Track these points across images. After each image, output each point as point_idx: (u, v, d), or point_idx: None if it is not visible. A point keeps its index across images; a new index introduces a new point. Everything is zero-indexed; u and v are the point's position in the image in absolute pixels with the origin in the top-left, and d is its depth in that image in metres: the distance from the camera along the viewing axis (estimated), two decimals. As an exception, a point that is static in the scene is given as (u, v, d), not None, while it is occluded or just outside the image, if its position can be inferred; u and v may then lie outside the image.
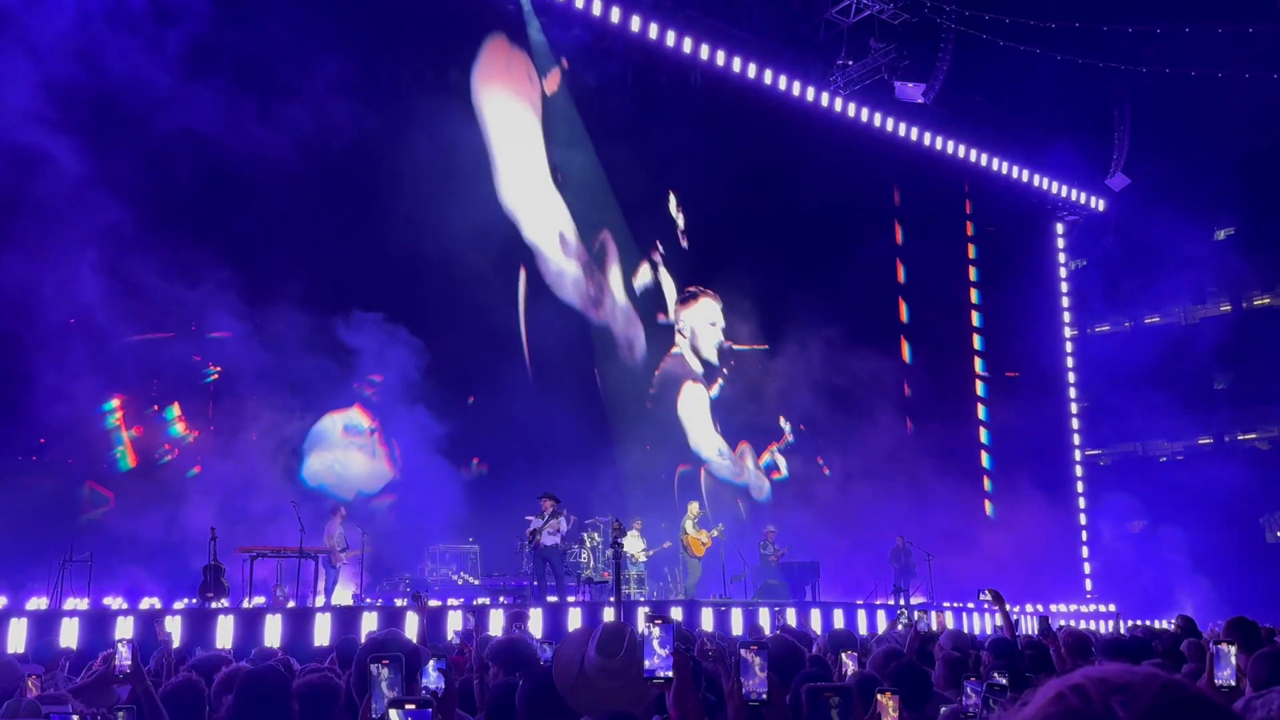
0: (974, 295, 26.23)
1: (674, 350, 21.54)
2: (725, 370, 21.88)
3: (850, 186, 22.21)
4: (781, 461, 22.28)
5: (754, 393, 21.68)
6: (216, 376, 15.71)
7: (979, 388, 26.11)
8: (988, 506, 24.96)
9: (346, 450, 17.02)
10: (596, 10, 18.70)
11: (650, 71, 20.21)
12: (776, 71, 21.15)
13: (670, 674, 2.50)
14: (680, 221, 21.39)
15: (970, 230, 26.41)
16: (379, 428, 17.09)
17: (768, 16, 21.46)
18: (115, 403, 15.00)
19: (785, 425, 22.20)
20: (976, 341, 26.16)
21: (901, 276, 24.79)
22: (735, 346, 21.93)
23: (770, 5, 21.57)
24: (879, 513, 19.71)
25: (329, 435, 16.85)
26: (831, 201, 21.89)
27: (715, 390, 21.82)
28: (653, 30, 19.44)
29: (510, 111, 19.23)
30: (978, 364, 26.25)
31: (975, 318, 26.22)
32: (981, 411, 25.99)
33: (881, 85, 21.55)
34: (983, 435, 25.60)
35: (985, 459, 25.34)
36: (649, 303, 20.95)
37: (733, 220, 21.67)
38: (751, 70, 20.83)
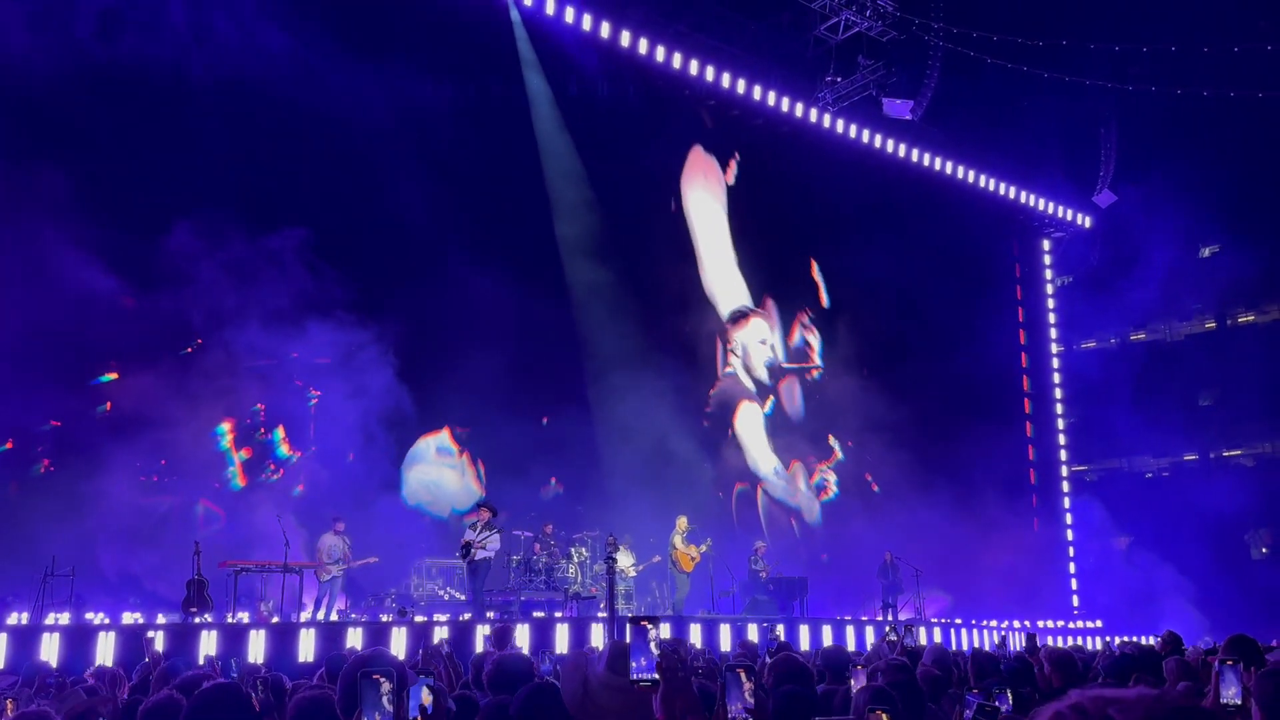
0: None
1: (727, 370, 21.84)
2: (779, 387, 22.46)
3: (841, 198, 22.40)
4: (832, 478, 22.54)
5: (806, 411, 22.11)
6: (316, 401, 16.30)
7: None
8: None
9: (440, 470, 17.86)
10: (586, 25, 18.76)
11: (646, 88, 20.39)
12: (765, 88, 21.25)
13: (656, 677, 2.47)
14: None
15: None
16: (468, 449, 17.95)
17: (757, 33, 21.56)
18: (227, 426, 15.63)
19: (835, 444, 22.55)
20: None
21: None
22: (785, 365, 22.35)
23: (760, 22, 21.68)
24: (877, 527, 19.83)
25: (424, 456, 17.67)
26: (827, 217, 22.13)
27: (768, 407, 22.13)
28: (642, 45, 19.51)
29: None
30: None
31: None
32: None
33: (870, 102, 21.65)
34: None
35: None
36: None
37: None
38: (741, 86, 20.92)
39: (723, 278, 21.77)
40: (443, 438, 17.98)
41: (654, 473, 18.50)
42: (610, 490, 18.33)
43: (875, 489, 22.50)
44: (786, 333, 22.74)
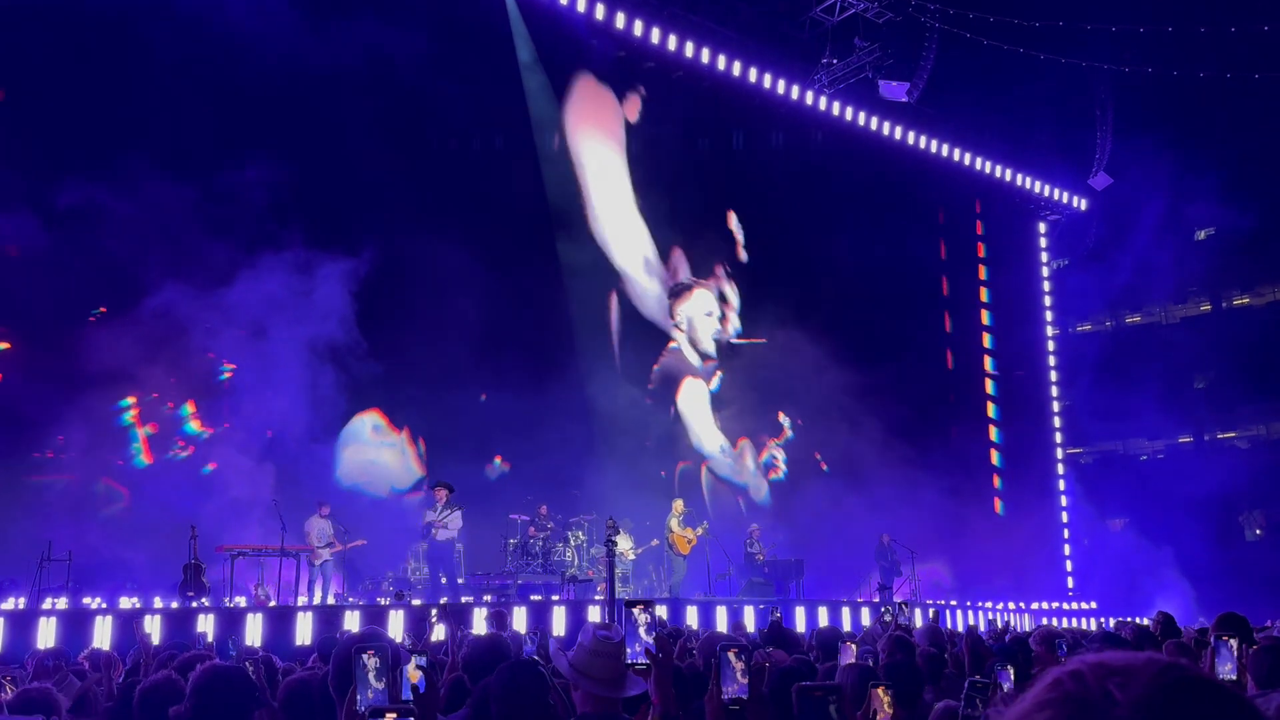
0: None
1: (671, 345, 21.19)
2: (724, 363, 21.67)
3: (836, 183, 22.29)
4: (781, 457, 22.03)
5: (753, 387, 21.24)
6: (230, 375, 15.56)
7: (989, 385, 26.23)
8: (995, 504, 25.06)
9: (378, 449, 17.34)
10: (581, 7, 18.65)
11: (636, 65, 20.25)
12: (761, 70, 21.16)
13: (645, 665, 2.46)
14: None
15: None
16: (408, 426, 17.34)
17: (752, 15, 21.46)
18: (131, 400, 14.96)
19: (785, 421, 21.97)
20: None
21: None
22: (734, 341, 21.61)
23: (755, 3, 21.57)
24: (869, 510, 19.71)
25: (360, 435, 17.17)
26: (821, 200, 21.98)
27: (715, 384, 21.53)
28: (637, 27, 19.41)
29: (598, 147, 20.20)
30: (987, 362, 26.34)
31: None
32: (991, 409, 26.16)
33: (866, 84, 21.57)
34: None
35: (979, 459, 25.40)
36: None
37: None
38: (736, 68, 20.83)
39: (619, 224, 20.64)
40: (377, 417, 17.37)
41: (600, 450, 18.06)
42: (556, 468, 17.39)
43: (824, 468, 21.90)
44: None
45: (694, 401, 21.21)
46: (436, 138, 18.42)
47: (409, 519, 16.28)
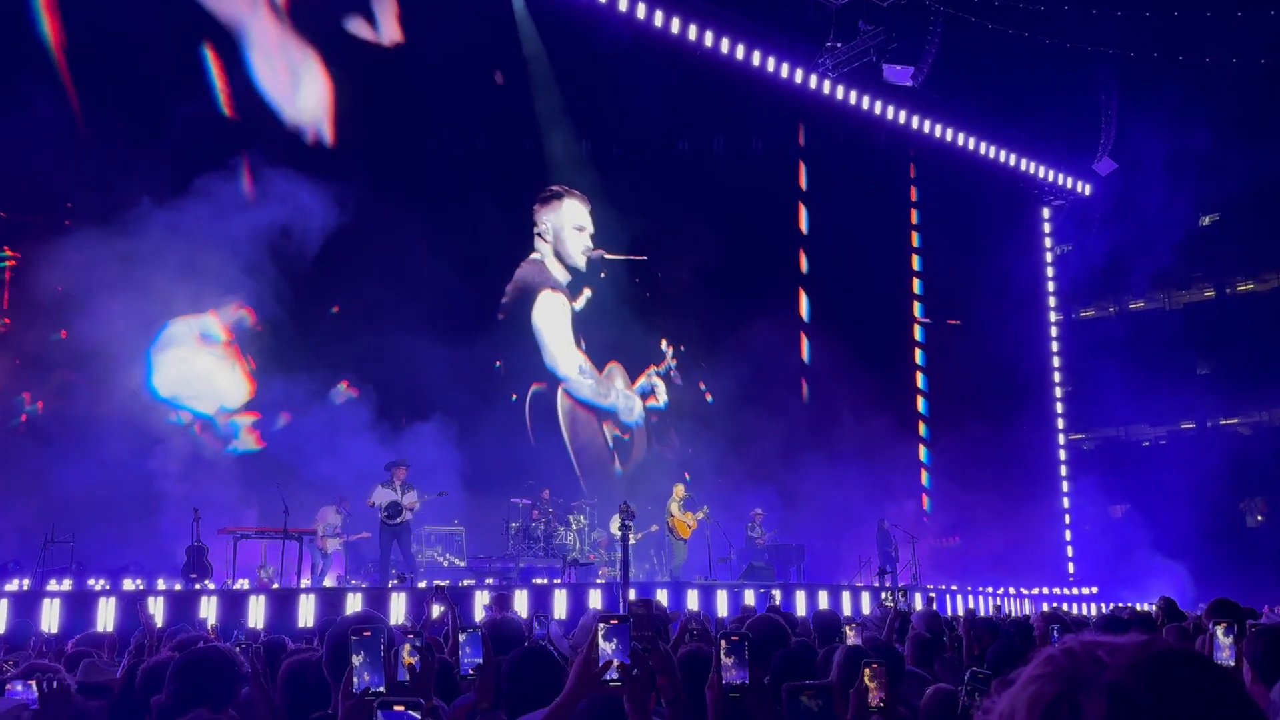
0: (916, 260, 26.12)
1: (533, 256, 19.59)
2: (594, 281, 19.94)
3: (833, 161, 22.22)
4: (661, 387, 20.75)
5: (632, 310, 19.84)
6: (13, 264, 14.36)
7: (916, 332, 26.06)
8: (919, 451, 24.83)
9: (206, 359, 15.42)
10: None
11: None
12: (765, 53, 21.06)
13: (618, 680, 2.33)
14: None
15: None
16: (235, 338, 15.64)
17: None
18: None
19: (667, 349, 20.63)
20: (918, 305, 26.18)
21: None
22: (607, 256, 19.91)
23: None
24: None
25: (182, 340, 15.24)
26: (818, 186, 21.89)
27: (582, 303, 19.86)
28: (640, 10, 19.29)
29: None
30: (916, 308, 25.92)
31: (916, 285, 25.94)
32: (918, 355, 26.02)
33: (870, 68, 21.48)
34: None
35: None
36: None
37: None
38: (740, 51, 20.73)
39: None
40: (207, 322, 15.40)
41: (452, 372, 16.38)
42: (408, 394, 16.23)
43: (709, 399, 20.79)
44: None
45: (552, 319, 19.48)
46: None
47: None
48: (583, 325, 19.88)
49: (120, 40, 14.49)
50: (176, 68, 15.48)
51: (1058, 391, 27.65)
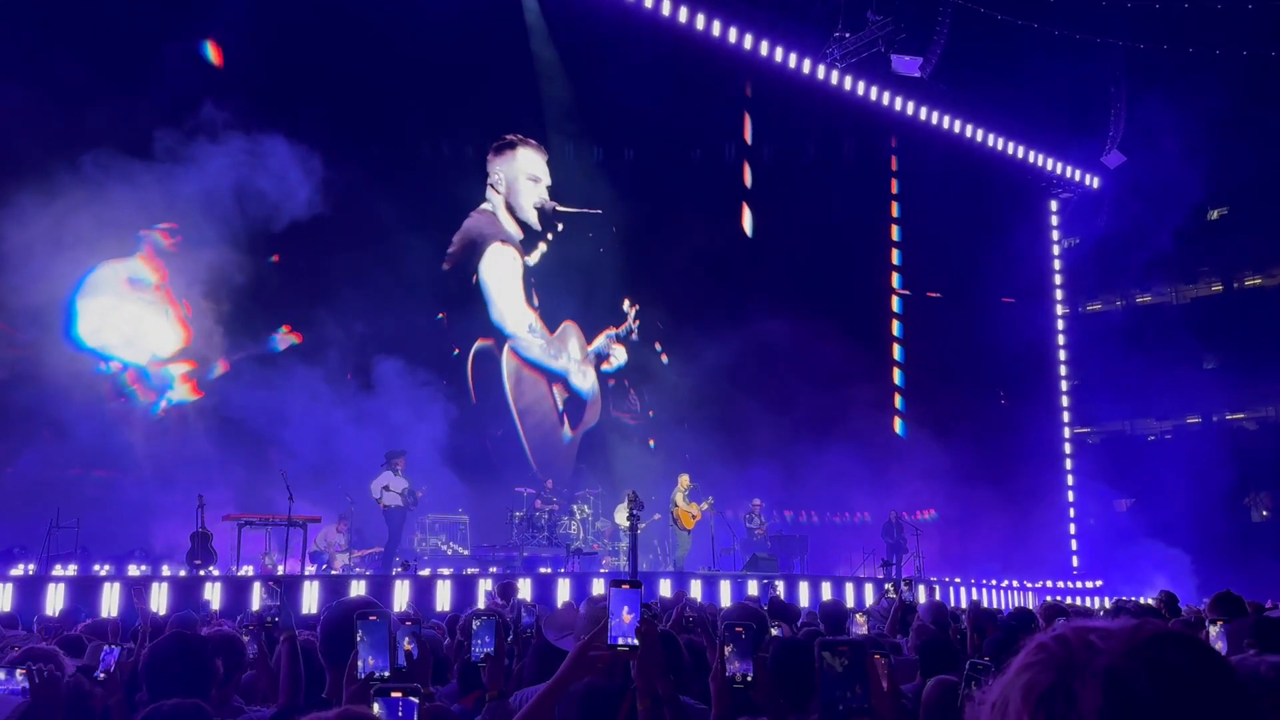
0: (895, 254, 25.98)
1: (483, 206, 18.83)
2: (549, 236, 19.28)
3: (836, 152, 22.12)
4: (618, 350, 20.07)
5: (593, 267, 19.23)
6: None
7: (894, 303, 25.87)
8: (894, 424, 24.66)
9: (136, 305, 14.72)
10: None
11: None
12: (773, 43, 20.97)
13: (635, 642, 2.39)
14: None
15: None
16: (166, 282, 14.90)
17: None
18: None
19: (629, 309, 19.96)
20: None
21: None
22: (560, 208, 19.19)
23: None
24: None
25: (109, 285, 14.51)
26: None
27: (535, 258, 19.24)
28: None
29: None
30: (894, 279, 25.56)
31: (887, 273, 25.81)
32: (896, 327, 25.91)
33: (879, 58, 21.38)
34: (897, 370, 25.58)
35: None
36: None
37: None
38: (748, 41, 20.65)
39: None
40: (135, 265, 14.60)
41: (399, 323, 16.15)
42: (353, 347, 15.85)
43: (665, 360, 20.11)
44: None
45: (500, 272, 18.73)
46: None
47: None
48: (541, 283, 19.14)
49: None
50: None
51: (1063, 384, 27.58)
